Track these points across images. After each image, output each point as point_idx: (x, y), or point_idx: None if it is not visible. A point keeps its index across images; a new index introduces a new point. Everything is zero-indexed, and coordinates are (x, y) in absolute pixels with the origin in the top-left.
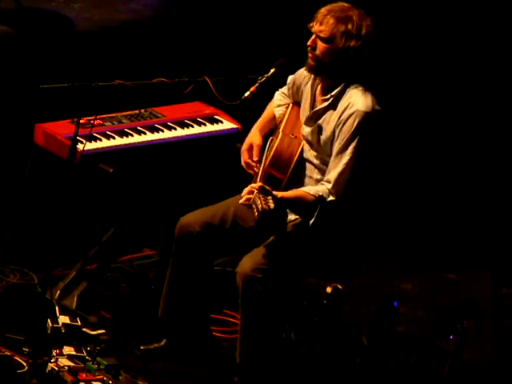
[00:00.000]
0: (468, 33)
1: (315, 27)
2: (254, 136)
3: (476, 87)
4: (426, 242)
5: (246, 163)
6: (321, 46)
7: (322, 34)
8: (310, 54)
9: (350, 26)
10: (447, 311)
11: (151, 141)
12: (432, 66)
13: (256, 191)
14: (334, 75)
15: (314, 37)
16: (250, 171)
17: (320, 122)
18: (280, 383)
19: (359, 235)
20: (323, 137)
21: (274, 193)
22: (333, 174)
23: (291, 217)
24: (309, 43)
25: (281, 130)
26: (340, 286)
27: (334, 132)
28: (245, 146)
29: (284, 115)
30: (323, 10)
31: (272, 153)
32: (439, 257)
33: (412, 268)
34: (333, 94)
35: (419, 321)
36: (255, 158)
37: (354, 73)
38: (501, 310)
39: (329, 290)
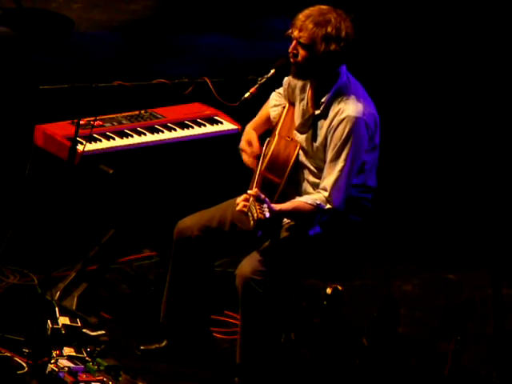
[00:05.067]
0: (467, 33)
1: (295, 33)
2: (249, 133)
3: (476, 87)
4: (426, 243)
5: (248, 159)
6: (302, 51)
7: (301, 40)
8: (292, 61)
9: (329, 29)
10: (447, 312)
11: (151, 142)
12: (431, 67)
13: (251, 199)
14: (320, 79)
15: (294, 43)
16: (252, 167)
17: (312, 128)
18: None
19: (358, 236)
20: (317, 143)
21: (272, 205)
22: (328, 181)
23: (287, 220)
24: (290, 50)
25: (277, 132)
26: (340, 287)
27: (326, 138)
28: (243, 143)
29: (280, 117)
30: (301, 16)
31: (268, 156)
32: (439, 257)
33: (412, 269)
34: (323, 101)
35: (419, 322)
36: (255, 149)
37: (339, 73)
38: (501, 310)
39: (329, 290)
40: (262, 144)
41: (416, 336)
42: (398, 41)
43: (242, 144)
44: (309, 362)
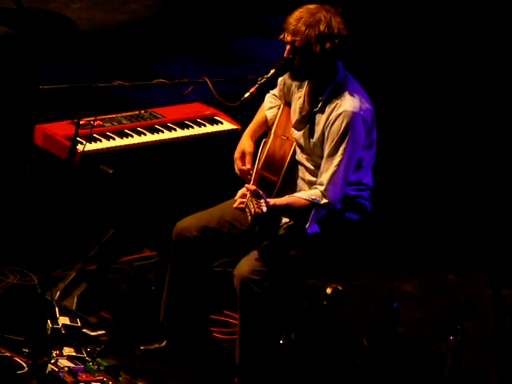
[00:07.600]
0: (467, 32)
1: (288, 38)
2: (245, 143)
3: (476, 87)
4: (426, 243)
5: (240, 170)
6: (298, 55)
7: (296, 44)
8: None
9: (321, 28)
10: (447, 312)
11: (151, 141)
12: (431, 66)
13: (249, 195)
14: (318, 78)
15: (289, 48)
16: (245, 178)
17: (309, 125)
18: None
19: (356, 235)
20: (313, 139)
21: (267, 200)
22: (325, 176)
23: (285, 219)
24: (285, 55)
25: (273, 131)
26: (340, 287)
27: (323, 134)
28: (237, 154)
29: (275, 116)
30: (292, 20)
31: (264, 155)
32: (439, 258)
33: (412, 269)
34: (321, 98)
35: (419, 321)
36: (248, 166)
37: (336, 70)
38: (501, 310)
39: (329, 290)
40: (258, 146)
41: (416, 336)
42: (394, 37)
43: (236, 154)
44: (309, 361)
